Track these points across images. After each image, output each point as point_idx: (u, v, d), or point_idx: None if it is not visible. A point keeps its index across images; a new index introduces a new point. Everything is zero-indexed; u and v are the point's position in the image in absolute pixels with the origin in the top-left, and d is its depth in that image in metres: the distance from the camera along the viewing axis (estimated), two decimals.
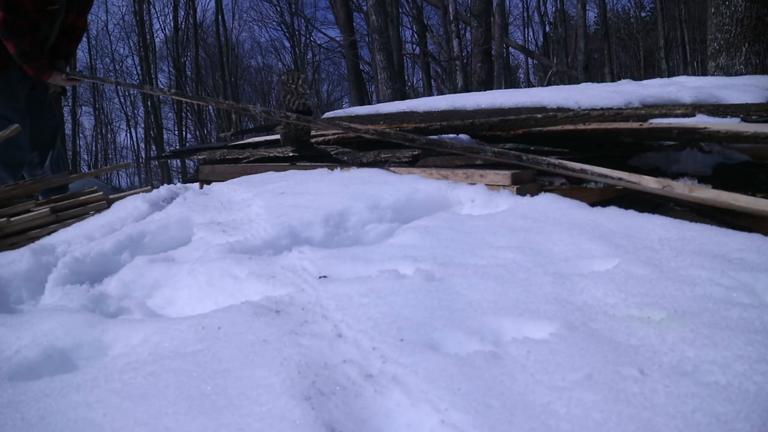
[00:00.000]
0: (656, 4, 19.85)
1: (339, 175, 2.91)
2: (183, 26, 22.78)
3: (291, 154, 3.64)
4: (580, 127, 2.33)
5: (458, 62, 10.81)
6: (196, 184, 4.05)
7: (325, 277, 1.55)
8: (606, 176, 2.07)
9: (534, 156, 2.26)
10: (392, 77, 10.00)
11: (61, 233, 2.81)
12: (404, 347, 1.06)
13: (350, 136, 3.55)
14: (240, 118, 22.97)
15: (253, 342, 1.14)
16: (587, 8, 15.91)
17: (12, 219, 3.14)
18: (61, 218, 3.43)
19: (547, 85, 11.31)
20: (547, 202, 2.09)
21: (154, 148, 23.44)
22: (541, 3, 22.94)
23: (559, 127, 2.41)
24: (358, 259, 1.65)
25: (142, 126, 26.57)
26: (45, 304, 1.81)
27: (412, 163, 3.00)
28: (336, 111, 4.96)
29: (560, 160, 2.21)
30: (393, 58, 10.25)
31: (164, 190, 3.22)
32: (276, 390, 0.95)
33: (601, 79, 17.28)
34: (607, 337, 1.07)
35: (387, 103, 4.71)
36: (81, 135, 27.32)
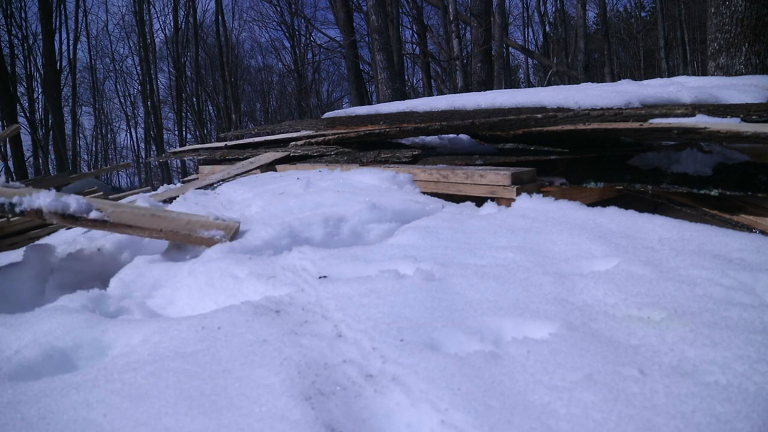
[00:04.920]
0: (656, 4, 19.83)
1: (338, 174, 2.91)
2: (183, 26, 22.79)
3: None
4: (580, 127, 2.33)
5: (458, 62, 10.79)
6: None
7: (325, 277, 1.55)
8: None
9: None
10: (392, 77, 9.99)
11: (61, 233, 2.81)
12: (404, 347, 1.06)
13: (350, 136, 3.55)
14: (240, 118, 22.97)
15: (253, 342, 1.14)
16: (587, 8, 15.89)
17: (12, 219, 3.14)
18: None
19: (547, 85, 11.30)
20: (547, 202, 2.09)
21: (154, 148, 23.45)
22: (541, 3, 22.93)
23: (559, 127, 2.41)
24: (358, 259, 1.65)
25: (142, 126, 26.62)
26: (45, 304, 1.81)
27: (413, 162, 3.00)
28: (336, 111, 4.96)
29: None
30: (393, 58, 10.23)
31: (163, 190, 3.22)
32: (276, 390, 0.95)
33: (601, 79, 17.27)
34: (607, 337, 1.07)
35: (387, 103, 4.71)
36: (81, 135, 27.35)
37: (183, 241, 1.90)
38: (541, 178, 2.42)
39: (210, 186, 3.54)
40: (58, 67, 19.03)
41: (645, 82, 3.74)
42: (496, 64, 10.83)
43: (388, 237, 2.00)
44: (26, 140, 18.00)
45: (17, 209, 1.88)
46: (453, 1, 10.36)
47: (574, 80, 12.75)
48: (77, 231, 2.82)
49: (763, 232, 1.82)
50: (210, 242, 1.88)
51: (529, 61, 25.89)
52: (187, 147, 6.58)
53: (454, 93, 7.56)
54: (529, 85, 26.37)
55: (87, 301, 1.61)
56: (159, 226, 1.91)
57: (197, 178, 4.27)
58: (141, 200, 2.86)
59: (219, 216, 2.04)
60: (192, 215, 2.04)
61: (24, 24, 20.61)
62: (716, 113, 2.42)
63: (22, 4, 20.16)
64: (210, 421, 0.89)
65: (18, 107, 17.40)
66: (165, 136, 25.14)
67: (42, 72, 19.25)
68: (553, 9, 24.03)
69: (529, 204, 2.12)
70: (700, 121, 2.27)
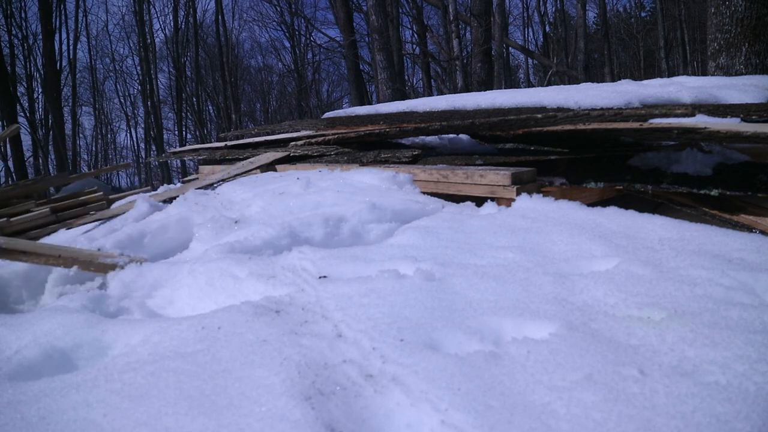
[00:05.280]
0: (656, 4, 19.81)
1: (338, 174, 2.91)
2: (183, 26, 22.77)
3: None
4: (580, 127, 2.33)
5: (458, 62, 10.79)
6: None
7: (325, 277, 1.55)
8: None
9: None
10: (392, 77, 9.98)
11: (61, 234, 2.81)
12: (404, 347, 1.06)
13: (350, 136, 3.55)
14: (240, 118, 22.96)
15: (253, 342, 1.14)
16: (587, 8, 15.86)
17: (12, 219, 3.14)
18: (61, 218, 3.44)
19: (547, 85, 11.29)
20: (547, 202, 2.09)
21: (154, 148, 23.45)
22: (541, 3, 22.91)
23: (559, 127, 2.41)
24: (358, 259, 1.66)
25: (142, 126, 26.59)
26: (45, 304, 1.81)
27: (413, 162, 3.00)
28: (336, 111, 4.96)
29: None
30: (393, 58, 10.23)
31: (163, 190, 3.22)
32: (276, 390, 0.95)
33: (601, 79, 17.25)
34: (607, 337, 1.07)
35: (387, 103, 4.71)
36: (81, 135, 27.30)
37: (84, 268, 1.91)
38: (541, 178, 2.42)
39: (210, 186, 3.54)
40: (58, 67, 19.01)
41: (645, 82, 3.74)
42: (496, 64, 10.83)
43: (388, 237, 2.00)
44: (26, 140, 18.00)
45: None
46: (453, 1, 10.36)
47: (574, 80, 12.74)
48: (77, 231, 2.82)
49: (763, 232, 1.82)
50: (113, 267, 1.89)
51: (529, 61, 25.89)
52: (187, 147, 6.58)
53: (454, 93, 7.56)
54: (529, 85, 26.36)
55: (87, 301, 1.62)
56: (57, 253, 1.94)
57: (197, 178, 4.27)
58: (141, 200, 2.86)
59: (125, 253, 2.08)
60: (98, 251, 2.06)
61: (24, 24, 20.59)
62: (716, 113, 2.42)
63: (22, 4, 20.14)
64: (210, 421, 0.89)
65: (18, 107, 17.39)
66: (165, 136, 25.14)
67: (42, 72, 19.24)
68: (553, 9, 24.03)
69: (529, 204, 2.12)
70: (700, 121, 2.27)
